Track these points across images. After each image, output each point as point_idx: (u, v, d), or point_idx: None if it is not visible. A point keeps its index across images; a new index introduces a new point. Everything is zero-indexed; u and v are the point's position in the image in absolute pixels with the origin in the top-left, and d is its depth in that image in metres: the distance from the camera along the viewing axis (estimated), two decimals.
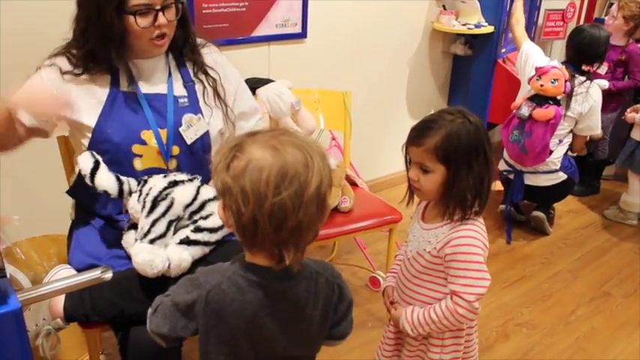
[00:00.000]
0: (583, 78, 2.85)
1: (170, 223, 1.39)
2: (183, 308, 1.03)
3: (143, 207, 1.38)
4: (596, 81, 2.93)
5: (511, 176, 3.01)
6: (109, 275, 1.10)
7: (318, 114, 2.37)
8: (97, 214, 1.56)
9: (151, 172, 1.49)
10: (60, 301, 1.36)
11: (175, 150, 1.53)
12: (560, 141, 2.90)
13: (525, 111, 2.76)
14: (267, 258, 0.99)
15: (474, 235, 1.31)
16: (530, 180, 2.95)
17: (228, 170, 0.94)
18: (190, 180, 1.45)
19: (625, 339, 2.31)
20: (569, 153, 3.07)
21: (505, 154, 3.02)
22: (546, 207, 3.14)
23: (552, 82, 2.71)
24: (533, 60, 2.88)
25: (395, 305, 1.49)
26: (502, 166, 3.05)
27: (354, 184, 2.28)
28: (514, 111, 2.85)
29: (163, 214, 1.38)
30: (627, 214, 3.29)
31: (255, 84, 2.21)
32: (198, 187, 1.45)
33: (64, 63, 1.48)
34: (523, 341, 2.27)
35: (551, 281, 2.70)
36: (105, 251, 1.44)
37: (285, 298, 1.03)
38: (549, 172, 2.91)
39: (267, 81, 2.26)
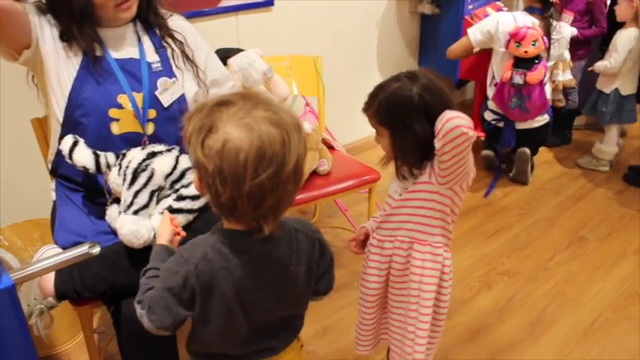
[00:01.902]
0: (554, 23, 2.91)
1: (152, 193, 1.40)
2: (178, 290, 1.02)
3: (124, 180, 1.39)
4: (562, 23, 3.00)
5: (500, 124, 3.08)
6: (96, 250, 1.11)
7: (290, 80, 2.37)
8: (79, 190, 1.57)
9: (129, 136, 1.51)
10: (50, 280, 1.38)
11: (152, 114, 1.55)
12: (546, 84, 3.00)
13: (519, 79, 2.84)
14: (246, 226, 1.01)
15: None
16: (520, 125, 3.03)
17: (203, 148, 0.93)
18: (169, 150, 1.47)
19: (601, 280, 2.40)
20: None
21: (490, 105, 3.08)
22: (533, 151, 3.20)
23: (533, 44, 2.76)
24: (503, 26, 2.91)
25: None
26: (489, 115, 3.12)
27: (330, 148, 2.31)
28: (501, 81, 2.92)
29: (145, 185, 1.39)
30: (600, 161, 3.37)
31: (225, 54, 2.20)
32: (177, 157, 1.46)
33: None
34: (505, 289, 2.34)
35: (528, 230, 2.78)
36: (90, 228, 1.45)
37: (269, 258, 1.05)
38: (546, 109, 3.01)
39: (237, 50, 2.25)
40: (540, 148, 3.33)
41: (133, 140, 1.52)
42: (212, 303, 1.04)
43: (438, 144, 1.25)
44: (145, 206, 1.39)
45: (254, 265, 1.04)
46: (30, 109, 1.71)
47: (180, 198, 1.42)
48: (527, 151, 3.12)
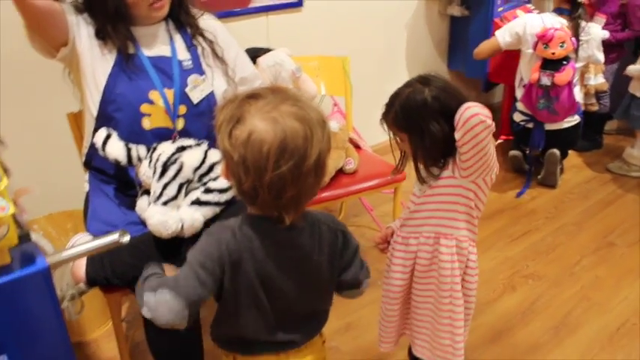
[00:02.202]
0: (583, 24, 2.88)
1: (181, 185, 1.44)
2: (210, 266, 1.04)
3: (154, 172, 1.44)
4: (591, 24, 2.98)
5: (529, 125, 3.07)
6: (126, 239, 1.15)
7: (318, 80, 2.40)
8: (111, 182, 1.62)
9: (160, 131, 1.56)
10: (82, 267, 1.43)
11: (182, 109, 1.60)
12: (575, 85, 2.98)
13: (547, 81, 2.83)
14: (269, 215, 1.05)
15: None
16: (549, 125, 3.02)
17: (230, 138, 0.98)
18: (198, 144, 1.51)
19: (628, 286, 2.37)
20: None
21: (519, 106, 3.07)
22: (562, 153, 3.17)
23: (561, 46, 2.75)
24: (530, 28, 2.90)
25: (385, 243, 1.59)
26: (518, 117, 3.11)
27: (357, 147, 2.33)
28: (529, 82, 2.91)
29: (174, 178, 1.43)
30: (631, 166, 3.32)
31: (255, 53, 2.24)
32: (206, 151, 1.50)
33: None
34: (529, 292, 2.33)
35: (555, 234, 2.76)
36: (120, 218, 1.50)
37: (291, 245, 1.08)
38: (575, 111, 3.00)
39: (266, 50, 2.29)
40: (570, 152, 3.30)
41: (163, 135, 1.57)
42: (239, 281, 1.07)
43: (457, 134, 1.28)
44: (174, 198, 1.43)
45: (276, 250, 1.07)
46: (66, 103, 1.77)
47: (208, 191, 1.46)
48: (557, 152, 3.09)
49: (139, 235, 1.41)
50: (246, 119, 0.97)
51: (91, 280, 1.44)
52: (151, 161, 1.46)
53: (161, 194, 1.42)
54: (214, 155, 1.50)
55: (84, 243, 1.15)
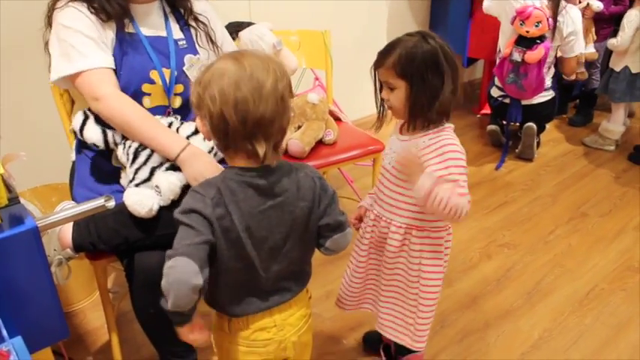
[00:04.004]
0: (563, 3, 2.92)
1: (153, 169, 1.48)
2: (199, 220, 1.08)
3: (127, 158, 1.49)
4: (570, 6, 3.00)
5: (506, 100, 3.14)
6: (112, 203, 1.19)
7: (299, 54, 2.43)
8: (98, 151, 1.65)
9: (158, 109, 1.60)
10: (68, 233, 1.47)
11: (179, 88, 1.64)
12: (549, 67, 3.05)
13: (517, 57, 2.89)
14: (245, 157, 1.11)
15: (454, 141, 1.41)
16: (525, 100, 3.09)
17: (200, 84, 1.08)
18: (169, 125, 1.55)
19: (599, 253, 2.46)
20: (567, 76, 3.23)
21: (497, 82, 3.13)
22: (539, 127, 3.24)
23: (536, 26, 2.80)
24: (513, 1, 2.93)
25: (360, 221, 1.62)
26: (495, 92, 3.18)
27: (337, 120, 2.37)
28: (502, 56, 2.97)
29: (145, 163, 1.48)
30: (606, 140, 3.41)
31: (236, 28, 2.26)
32: (177, 128, 1.55)
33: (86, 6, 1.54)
34: (504, 260, 2.41)
35: (531, 205, 2.84)
36: (106, 186, 1.53)
37: (273, 192, 1.14)
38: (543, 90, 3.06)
39: (248, 24, 2.31)
40: (547, 126, 3.38)
41: (161, 113, 1.61)
42: (227, 236, 1.12)
43: (426, 208, 1.33)
44: (147, 180, 1.47)
45: (260, 198, 1.13)
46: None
47: None
48: (534, 126, 3.16)
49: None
50: (211, 64, 1.10)
51: (78, 246, 1.47)
52: (124, 147, 1.51)
53: (133, 178, 1.47)
54: (186, 129, 1.55)
55: (71, 207, 1.19)
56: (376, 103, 1.48)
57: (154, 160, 1.49)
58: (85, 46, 1.48)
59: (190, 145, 1.47)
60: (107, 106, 1.47)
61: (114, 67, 1.52)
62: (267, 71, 1.06)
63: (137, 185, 1.46)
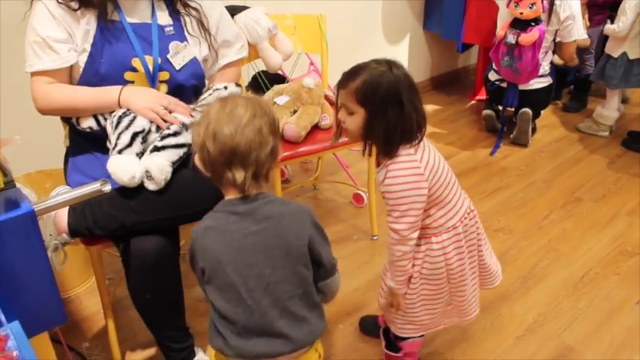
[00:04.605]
0: None
1: (135, 134, 1.47)
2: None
3: (112, 126, 1.50)
4: None
5: (503, 84, 3.14)
6: (107, 188, 1.18)
7: (295, 39, 2.42)
8: (91, 136, 1.64)
9: None
10: (64, 218, 1.46)
11: (165, 76, 1.61)
12: (546, 52, 3.03)
13: (511, 39, 2.87)
14: (232, 189, 1.20)
15: (399, 174, 1.39)
16: (522, 86, 3.09)
17: (193, 124, 1.26)
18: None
19: (593, 237, 2.48)
20: (555, 60, 3.21)
21: (495, 65, 3.12)
22: (535, 112, 3.24)
23: (530, 7, 2.79)
24: None
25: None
26: (493, 76, 3.18)
27: (333, 104, 2.36)
28: (497, 39, 2.96)
29: (127, 127, 1.48)
30: (600, 126, 3.41)
31: (232, 11, 2.24)
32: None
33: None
34: (500, 245, 2.42)
35: (526, 191, 2.85)
36: (100, 171, 1.51)
37: (255, 217, 1.20)
38: (540, 76, 3.05)
39: (243, 8, 2.30)
40: (542, 112, 3.38)
41: None
42: (209, 263, 1.20)
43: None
44: (128, 145, 1.46)
45: (243, 223, 1.19)
46: None
47: (164, 137, 1.50)
48: (529, 111, 3.16)
49: (119, 187, 1.44)
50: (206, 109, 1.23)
51: (73, 231, 1.47)
52: (110, 118, 1.52)
53: (116, 144, 1.46)
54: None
55: (67, 191, 1.19)
56: (335, 125, 1.51)
57: (137, 126, 1.49)
58: (38, 47, 1.52)
59: (125, 86, 1.54)
60: (44, 104, 1.56)
61: (67, 64, 1.54)
62: (245, 107, 1.17)
63: (120, 152, 1.46)
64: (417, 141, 1.39)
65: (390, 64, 1.36)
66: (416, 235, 1.44)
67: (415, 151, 1.40)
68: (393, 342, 1.76)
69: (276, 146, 1.21)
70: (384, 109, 1.33)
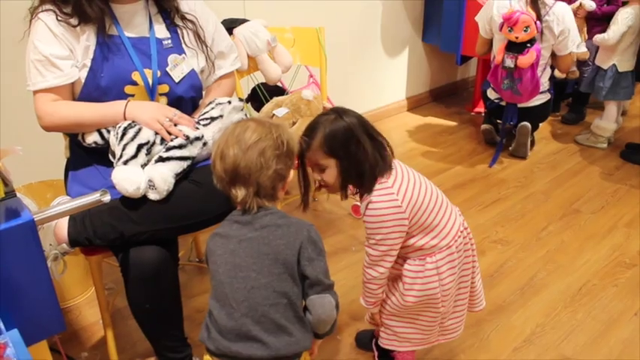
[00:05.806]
0: (550, 1, 2.92)
1: (140, 146, 1.49)
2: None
3: (116, 138, 1.51)
4: (559, 4, 2.98)
5: (503, 103, 3.16)
6: (107, 198, 1.20)
7: (294, 51, 2.44)
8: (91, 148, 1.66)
9: None
10: (64, 228, 1.47)
11: (164, 89, 1.63)
12: (544, 68, 3.05)
13: (510, 63, 2.90)
14: (238, 203, 1.27)
15: (378, 206, 1.45)
16: (521, 103, 3.11)
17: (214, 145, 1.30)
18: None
19: (591, 249, 2.48)
20: (557, 74, 3.25)
21: (495, 89, 3.15)
22: (534, 126, 3.26)
23: (525, 30, 2.81)
24: (498, 9, 2.96)
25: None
26: (492, 94, 3.19)
27: None
28: (495, 63, 3.00)
29: (132, 139, 1.50)
30: (598, 137, 3.43)
31: (231, 24, 2.28)
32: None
33: (53, 16, 1.54)
34: (498, 256, 2.43)
35: (524, 202, 2.86)
36: (101, 182, 1.53)
37: (252, 224, 1.26)
38: (539, 93, 3.07)
39: (242, 21, 2.33)
40: (541, 126, 3.40)
41: None
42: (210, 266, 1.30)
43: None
44: (134, 157, 1.48)
45: (242, 229, 1.27)
46: None
47: (168, 149, 1.52)
48: (529, 125, 3.18)
49: (119, 198, 1.45)
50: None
51: (73, 241, 1.48)
52: (115, 129, 1.54)
53: (121, 155, 1.48)
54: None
55: (67, 201, 1.20)
56: (299, 187, 1.53)
57: (142, 137, 1.51)
58: (41, 65, 1.54)
59: (129, 100, 1.56)
60: (49, 122, 1.58)
61: (71, 80, 1.56)
62: (253, 131, 1.23)
63: (125, 162, 1.47)
64: (388, 169, 1.46)
65: (338, 112, 1.44)
66: (387, 265, 1.51)
67: (392, 183, 1.46)
68: (385, 353, 1.77)
69: (282, 168, 1.25)
70: (349, 152, 1.41)
